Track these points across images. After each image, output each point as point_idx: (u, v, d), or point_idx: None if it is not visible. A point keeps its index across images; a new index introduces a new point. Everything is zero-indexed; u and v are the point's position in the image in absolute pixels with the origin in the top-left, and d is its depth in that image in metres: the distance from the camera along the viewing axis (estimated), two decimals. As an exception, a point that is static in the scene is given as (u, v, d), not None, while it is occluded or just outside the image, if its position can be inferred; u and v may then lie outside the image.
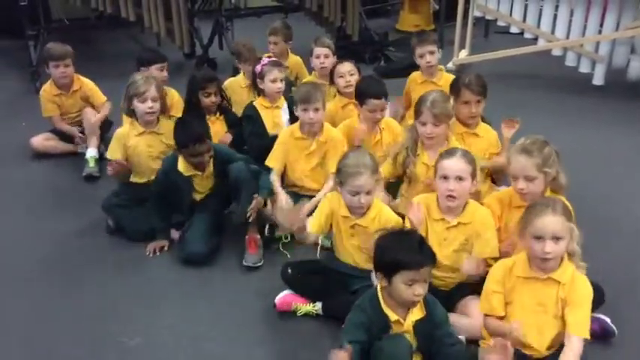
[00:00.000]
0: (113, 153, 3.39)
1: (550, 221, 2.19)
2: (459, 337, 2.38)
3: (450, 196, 2.56)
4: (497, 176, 3.37)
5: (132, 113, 3.41)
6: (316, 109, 3.32)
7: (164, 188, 3.22)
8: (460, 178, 2.56)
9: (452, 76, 4.07)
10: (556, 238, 2.19)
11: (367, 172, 2.62)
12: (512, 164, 2.61)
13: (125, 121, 3.53)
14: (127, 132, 3.41)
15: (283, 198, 3.36)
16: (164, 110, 3.47)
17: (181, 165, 3.19)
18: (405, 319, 2.19)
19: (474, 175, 2.60)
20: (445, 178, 2.57)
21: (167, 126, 3.45)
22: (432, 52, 3.99)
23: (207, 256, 3.14)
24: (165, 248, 3.23)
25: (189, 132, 3.14)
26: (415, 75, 4.16)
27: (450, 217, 2.63)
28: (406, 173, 3.15)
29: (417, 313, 2.20)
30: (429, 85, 3.96)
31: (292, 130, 3.48)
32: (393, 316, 2.17)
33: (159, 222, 3.26)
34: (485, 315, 2.38)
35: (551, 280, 2.24)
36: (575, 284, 2.25)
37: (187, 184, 3.24)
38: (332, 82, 3.98)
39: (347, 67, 3.89)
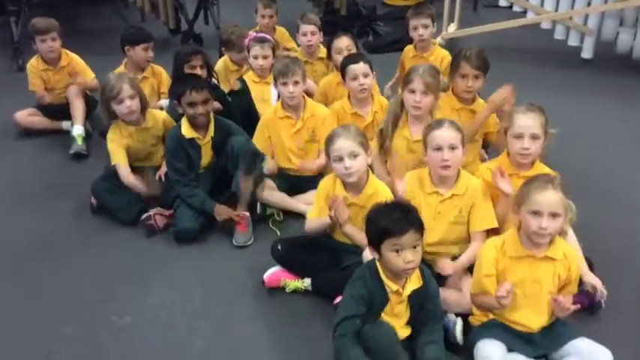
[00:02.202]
0: (118, 158, 3.31)
1: (550, 196, 2.18)
2: (450, 313, 2.41)
3: (445, 165, 2.56)
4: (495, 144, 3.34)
5: (114, 116, 3.34)
6: (295, 82, 3.27)
7: (176, 157, 3.18)
8: (453, 147, 2.57)
9: (445, 52, 4.07)
10: (553, 215, 2.18)
11: (346, 134, 2.64)
12: (517, 123, 2.62)
13: (112, 127, 3.40)
14: (119, 135, 3.35)
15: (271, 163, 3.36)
16: (144, 105, 3.38)
17: (184, 127, 3.19)
18: (403, 289, 2.20)
19: (463, 144, 2.62)
20: (438, 149, 2.58)
21: (154, 119, 3.44)
22: (425, 26, 3.95)
23: (197, 232, 3.13)
24: (234, 215, 3.12)
25: (185, 80, 3.21)
26: (408, 48, 4.14)
27: (443, 190, 2.64)
28: (384, 146, 3.12)
29: (415, 282, 2.21)
30: (420, 60, 3.93)
31: (275, 109, 3.42)
32: (393, 286, 2.19)
33: (195, 202, 3.15)
34: (472, 294, 2.38)
35: (547, 258, 2.25)
36: (569, 259, 2.27)
37: (194, 148, 3.22)
38: (329, 57, 3.94)
39: (345, 42, 3.84)
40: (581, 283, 2.41)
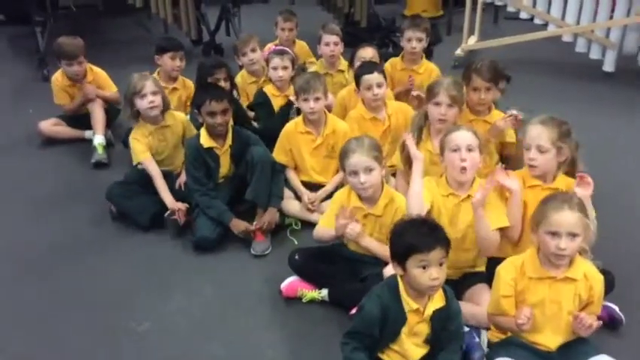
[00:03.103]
0: (143, 155, 3.38)
1: (567, 216, 2.13)
2: (467, 325, 2.38)
3: (463, 167, 2.55)
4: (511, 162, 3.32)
5: (137, 115, 3.42)
6: (317, 99, 3.27)
7: (195, 166, 3.22)
8: (470, 149, 2.56)
9: (432, 65, 4.09)
10: (572, 235, 2.14)
11: (360, 149, 2.65)
12: (527, 133, 2.62)
13: (134, 129, 3.49)
14: (140, 134, 3.42)
15: (306, 196, 3.33)
16: (166, 105, 3.47)
17: (203, 137, 3.23)
18: (424, 308, 2.15)
19: (481, 150, 2.61)
20: (456, 150, 2.57)
21: (173, 118, 3.50)
22: (419, 39, 3.95)
23: (216, 241, 3.15)
24: (250, 228, 3.14)
25: (207, 89, 3.29)
26: (395, 60, 4.11)
27: (460, 192, 2.62)
28: (408, 160, 3.12)
29: (437, 302, 2.16)
30: (409, 73, 3.96)
31: (296, 123, 3.43)
32: (413, 305, 2.13)
33: (214, 212, 3.17)
34: (489, 314, 2.35)
35: (568, 279, 2.19)
36: (590, 280, 2.21)
37: (212, 158, 3.25)
38: (351, 65, 3.97)
39: (369, 52, 3.88)
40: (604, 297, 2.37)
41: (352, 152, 2.66)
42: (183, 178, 3.41)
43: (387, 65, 4.09)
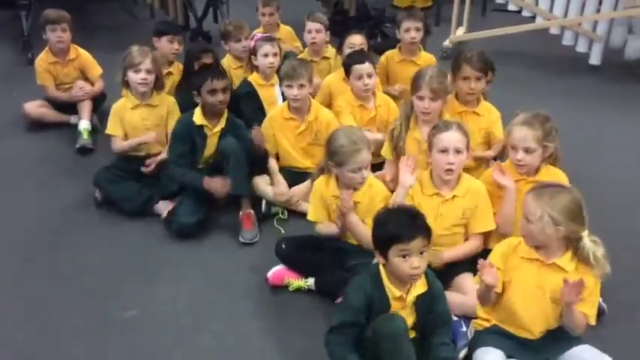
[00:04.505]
0: (114, 129, 3.44)
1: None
2: (453, 315, 2.40)
3: (449, 169, 2.58)
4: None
5: (127, 85, 3.42)
6: (301, 85, 3.27)
7: (182, 140, 3.23)
8: (458, 151, 2.59)
9: (431, 56, 4.09)
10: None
11: (365, 146, 2.67)
12: (512, 135, 2.63)
13: (119, 102, 3.51)
14: (122, 105, 3.45)
15: (282, 186, 3.34)
16: (160, 85, 3.48)
17: (196, 115, 3.24)
18: (407, 295, 2.17)
19: (468, 148, 2.64)
20: (444, 151, 2.59)
21: (161, 99, 3.47)
22: (417, 29, 3.94)
23: (196, 228, 3.15)
24: (226, 187, 3.16)
25: (205, 70, 3.33)
26: (392, 53, 4.09)
27: (444, 191, 2.65)
28: (397, 149, 3.14)
29: (419, 287, 2.18)
30: (409, 64, 3.96)
31: (282, 109, 3.43)
32: (395, 293, 2.16)
33: (195, 179, 3.20)
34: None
35: (556, 266, 2.20)
36: (580, 274, 2.17)
37: (201, 136, 3.25)
38: (340, 52, 3.97)
39: (358, 39, 3.88)
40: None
41: (358, 151, 2.65)
42: (155, 159, 3.42)
43: (384, 59, 4.10)
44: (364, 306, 2.16)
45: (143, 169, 3.41)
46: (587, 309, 2.19)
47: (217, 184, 3.17)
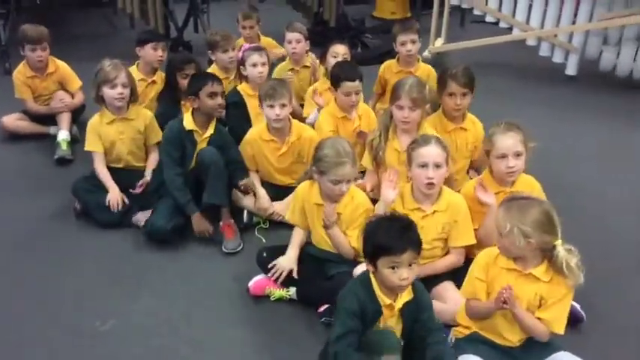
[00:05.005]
0: (93, 145, 3.38)
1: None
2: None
3: (430, 183, 2.59)
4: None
5: (101, 101, 3.38)
6: (283, 105, 3.21)
7: (174, 145, 3.21)
8: (438, 166, 2.59)
9: (428, 67, 4.11)
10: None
11: (350, 161, 2.65)
12: (498, 145, 2.66)
13: (96, 116, 3.46)
14: (97, 122, 3.40)
15: (263, 200, 3.32)
16: (135, 98, 3.45)
17: (186, 120, 3.23)
18: (395, 302, 2.16)
19: (447, 162, 2.64)
20: (423, 166, 2.60)
21: (137, 112, 3.46)
22: (413, 41, 3.98)
23: (170, 235, 3.12)
24: (211, 231, 3.16)
25: (203, 75, 3.39)
26: (390, 63, 4.14)
27: (425, 206, 2.66)
28: (377, 158, 3.14)
29: (405, 296, 2.17)
30: (405, 75, 3.95)
31: (260, 131, 3.35)
32: (385, 300, 2.14)
33: (181, 197, 3.17)
34: (467, 299, 2.37)
35: (532, 276, 2.22)
36: (555, 284, 2.21)
37: (191, 142, 3.24)
38: (322, 61, 4.00)
39: (342, 49, 3.91)
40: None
41: (342, 164, 2.63)
42: (143, 180, 3.39)
43: (382, 68, 4.13)
44: (358, 310, 2.14)
45: (131, 191, 3.36)
46: (547, 316, 2.21)
47: (203, 228, 3.15)
